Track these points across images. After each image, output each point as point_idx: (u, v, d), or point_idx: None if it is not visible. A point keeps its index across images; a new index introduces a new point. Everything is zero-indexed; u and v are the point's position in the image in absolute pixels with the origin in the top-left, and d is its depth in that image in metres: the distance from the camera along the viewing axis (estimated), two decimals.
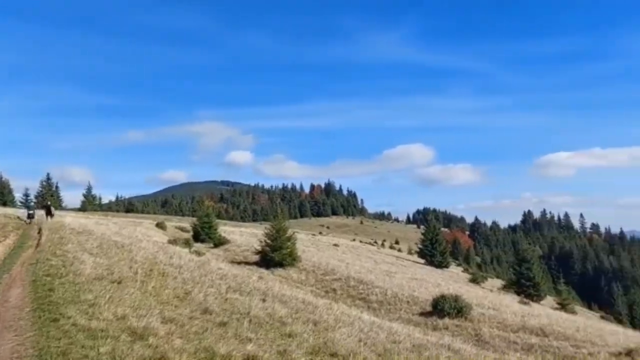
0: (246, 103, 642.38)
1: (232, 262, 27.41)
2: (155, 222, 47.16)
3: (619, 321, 60.08)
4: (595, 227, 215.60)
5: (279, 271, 26.53)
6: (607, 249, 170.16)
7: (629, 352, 14.02)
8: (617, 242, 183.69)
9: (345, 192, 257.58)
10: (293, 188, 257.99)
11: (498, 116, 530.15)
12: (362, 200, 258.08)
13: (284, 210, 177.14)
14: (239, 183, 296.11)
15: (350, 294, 22.80)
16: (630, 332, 29.48)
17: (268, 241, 28.26)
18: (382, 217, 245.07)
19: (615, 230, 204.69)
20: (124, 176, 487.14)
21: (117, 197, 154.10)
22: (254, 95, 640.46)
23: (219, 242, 35.19)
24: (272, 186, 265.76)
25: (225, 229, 48.30)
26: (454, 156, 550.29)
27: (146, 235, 31.29)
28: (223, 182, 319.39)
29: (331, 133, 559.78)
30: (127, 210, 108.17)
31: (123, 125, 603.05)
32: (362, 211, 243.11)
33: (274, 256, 27.37)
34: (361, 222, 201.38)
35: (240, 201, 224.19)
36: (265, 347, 8.09)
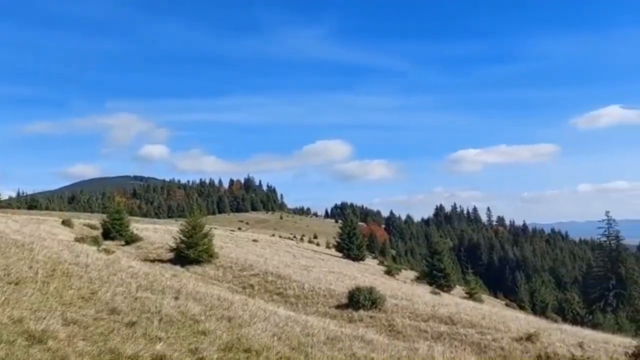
0: (161, 95, 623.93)
1: (145, 260, 26.45)
2: (61, 220, 44.43)
3: (522, 308, 64.44)
4: (500, 220, 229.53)
5: (195, 268, 25.90)
6: (511, 241, 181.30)
7: (529, 337, 15.00)
8: (520, 233, 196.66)
9: (265, 188, 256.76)
10: (211, 183, 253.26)
11: (413, 114, 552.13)
12: (281, 195, 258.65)
13: (201, 206, 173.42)
14: (153, 178, 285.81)
15: (268, 289, 22.70)
16: (531, 317, 31.64)
17: (183, 238, 27.48)
18: (301, 212, 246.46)
19: (518, 222, 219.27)
20: (27, 170, 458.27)
21: (18, 193, 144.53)
22: (169, 87, 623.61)
23: (131, 240, 33.79)
24: (188, 181, 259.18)
25: (138, 225, 46.49)
26: (370, 152, 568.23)
27: (50, 233, 29.46)
28: (136, 177, 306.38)
29: (250, 128, 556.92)
30: (30, 207, 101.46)
31: (26, 116, 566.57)
32: (281, 206, 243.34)
33: (190, 253, 26.66)
34: (281, 217, 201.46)
35: (155, 197, 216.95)
36: (176, 346, 7.89)
